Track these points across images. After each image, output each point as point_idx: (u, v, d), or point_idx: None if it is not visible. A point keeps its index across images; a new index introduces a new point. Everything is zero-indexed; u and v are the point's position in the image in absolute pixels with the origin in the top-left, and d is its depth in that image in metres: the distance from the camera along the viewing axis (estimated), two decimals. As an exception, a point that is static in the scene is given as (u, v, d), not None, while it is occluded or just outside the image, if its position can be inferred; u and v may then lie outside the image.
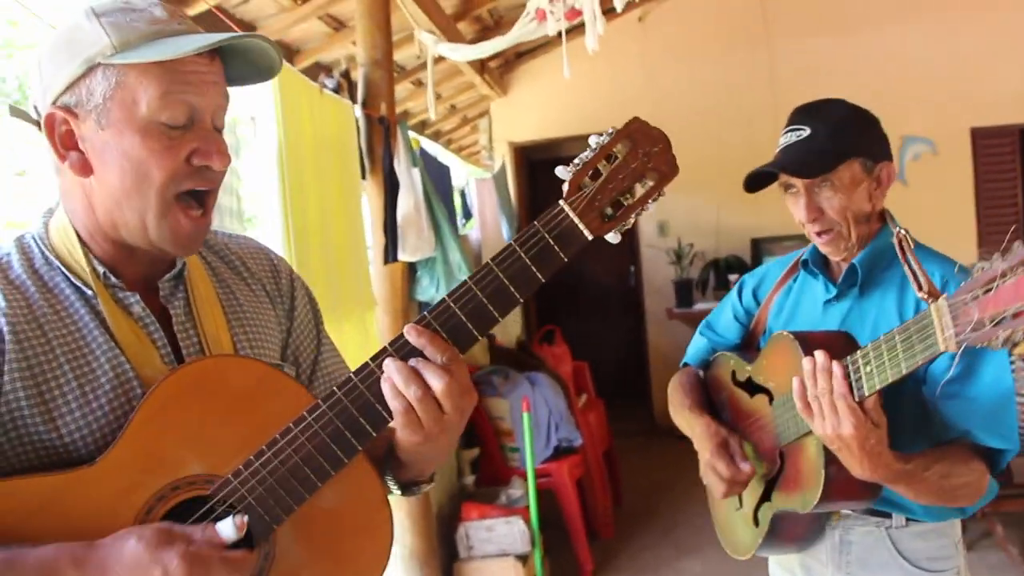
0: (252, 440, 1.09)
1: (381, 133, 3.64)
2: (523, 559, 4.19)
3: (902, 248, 1.36)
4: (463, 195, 6.45)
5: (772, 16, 6.93)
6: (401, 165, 3.82)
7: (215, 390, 1.11)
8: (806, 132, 1.74)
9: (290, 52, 4.33)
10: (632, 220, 1.18)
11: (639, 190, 1.18)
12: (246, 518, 1.03)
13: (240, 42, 1.10)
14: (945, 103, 6.59)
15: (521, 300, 1.14)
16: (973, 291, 1.17)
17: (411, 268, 4.27)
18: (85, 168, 1.10)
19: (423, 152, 4.53)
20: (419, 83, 5.76)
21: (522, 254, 1.13)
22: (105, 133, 1.08)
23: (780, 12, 6.94)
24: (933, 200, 6.43)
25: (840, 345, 1.54)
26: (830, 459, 1.54)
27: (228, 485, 1.08)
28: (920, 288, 1.34)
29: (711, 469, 1.79)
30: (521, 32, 3.51)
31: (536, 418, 4.61)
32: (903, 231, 1.34)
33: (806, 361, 1.47)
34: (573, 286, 8.90)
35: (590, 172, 1.16)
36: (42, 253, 1.14)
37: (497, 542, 4.21)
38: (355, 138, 3.58)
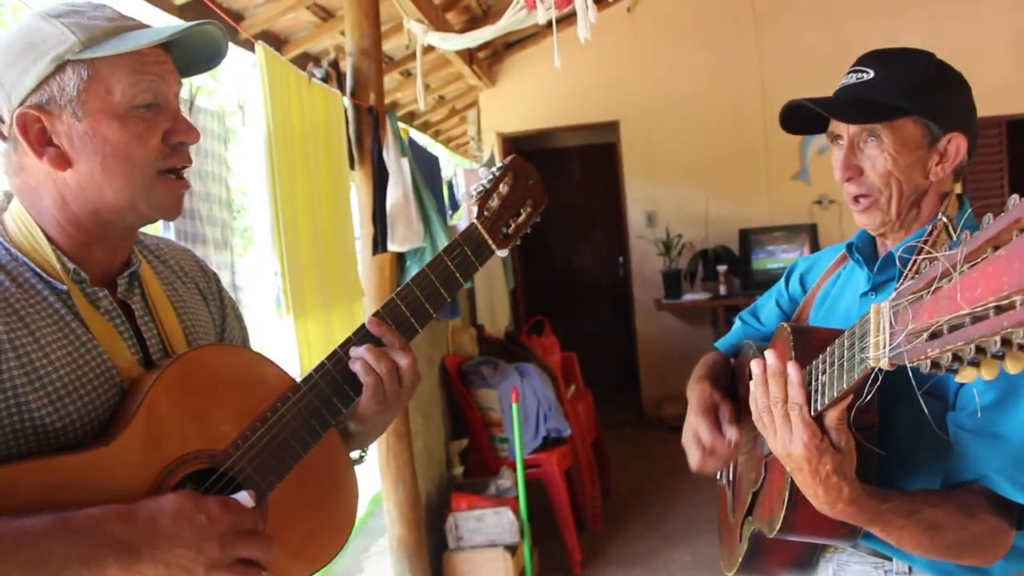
0: (243, 418, 1.24)
1: (370, 123, 3.63)
2: (512, 549, 4.19)
3: (928, 237, 1.10)
4: (451, 186, 6.44)
5: (760, 6, 6.94)
6: (390, 155, 3.81)
7: (212, 374, 1.24)
8: (868, 75, 1.49)
9: (278, 42, 4.31)
10: (519, 239, 1.51)
11: (523, 214, 1.50)
12: (252, 493, 1.17)
13: (189, 32, 1.19)
14: (933, 94, 6.58)
15: (448, 300, 1.42)
16: (917, 291, 0.91)
17: (400, 258, 4.27)
18: (63, 162, 1.16)
19: (412, 142, 4.52)
20: (408, 73, 5.75)
21: (449, 263, 1.42)
22: (82, 124, 1.15)
23: (768, 2, 6.96)
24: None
25: None
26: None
27: (230, 458, 1.21)
28: (900, 284, 1.03)
29: (692, 432, 1.62)
30: (511, 20, 3.50)
31: (525, 409, 4.62)
32: (945, 219, 1.10)
33: (754, 364, 1.26)
34: (562, 277, 8.92)
35: (489, 198, 1.46)
36: (5, 249, 1.18)
37: (486, 532, 4.22)
38: (344, 128, 3.57)
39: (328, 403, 1.32)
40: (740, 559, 1.60)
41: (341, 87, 3.63)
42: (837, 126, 1.52)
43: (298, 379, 1.33)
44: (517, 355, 5.32)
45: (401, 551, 3.92)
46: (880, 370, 1.00)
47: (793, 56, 6.74)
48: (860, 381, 1.07)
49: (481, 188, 1.48)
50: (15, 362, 1.09)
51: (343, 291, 3.51)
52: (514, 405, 4.25)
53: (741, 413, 1.73)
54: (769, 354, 1.24)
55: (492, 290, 6.40)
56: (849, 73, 1.53)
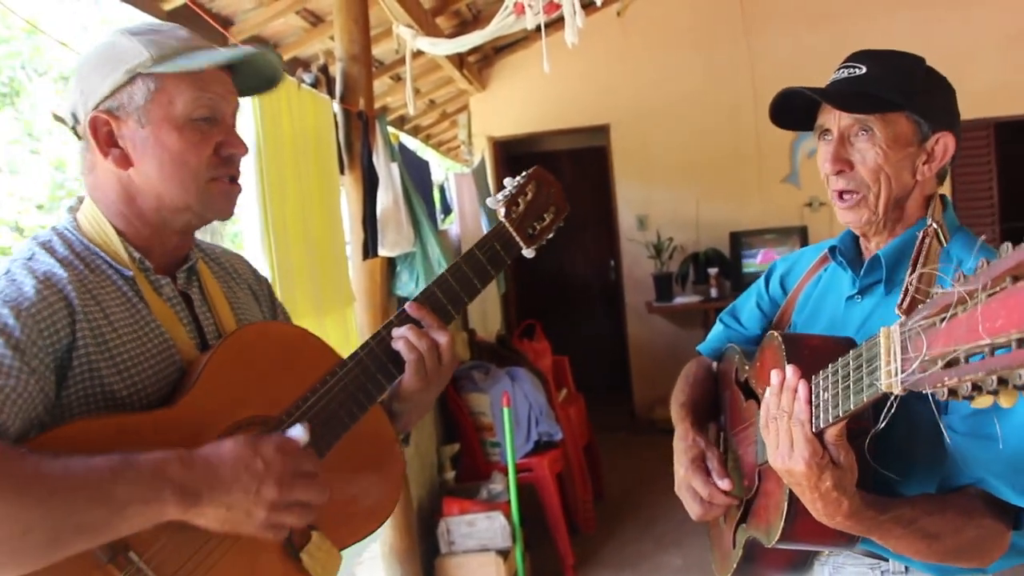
0: (294, 389, 1.35)
1: (360, 128, 3.62)
2: (504, 554, 4.19)
3: (920, 246, 1.09)
4: (442, 190, 6.44)
5: (750, 9, 6.95)
6: (380, 160, 3.80)
7: (265, 348, 1.36)
8: (861, 71, 1.49)
9: (267, 47, 4.30)
10: (545, 241, 1.64)
11: (547, 218, 1.64)
12: (307, 425, 1.27)
13: (250, 56, 1.34)
14: (921, 97, 6.58)
15: (480, 290, 1.55)
16: (930, 317, 0.90)
17: (390, 263, 4.26)
18: (125, 162, 1.30)
19: (402, 147, 4.51)
20: (398, 78, 5.74)
21: (480, 256, 1.55)
22: (145, 130, 1.28)
23: (758, 4, 6.97)
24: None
25: (838, 356, 1.19)
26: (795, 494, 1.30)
27: (283, 424, 1.31)
28: (900, 304, 1.04)
29: (687, 486, 1.62)
30: (500, 26, 3.49)
31: (516, 413, 4.61)
32: (935, 226, 1.10)
33: (774, 374, 1.26)
34: (553, 281, 8.91)
35: (515, 203, 1.60)
36: (78, 240, 1.31)
37: (478, 537, 4.22)
38: (333, 133, 3.56)
39: (373, 379, 1.43)
40: (735, 565, 1.60)
41: (331, 92, 3.62)
42: (827, 120, 1.51)
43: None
44: (508, 359, 5.32)
45: (393, 557, 3.91)
46: (895, 396, 1.00)
47: (783, 59, 6.75)
48: (869, 404, 1.07)
49: (508, 193, 1.61)
50: (89, 334, 1.20)
51: (334, 296, 3.50)
52: (505, 409, 4.25)
53: (725, 421, 1.74)
54: (790, 368, 1.24)
55: (484, 294, 6.37)
56: (840, 68, 1.53)
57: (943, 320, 0.87)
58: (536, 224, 1.62)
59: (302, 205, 3.19)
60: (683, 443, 1.66)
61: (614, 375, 8.13)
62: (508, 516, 4.22)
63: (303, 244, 3.17)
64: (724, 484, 1.56)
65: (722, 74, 7.06)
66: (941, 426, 1.28)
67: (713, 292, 6.84)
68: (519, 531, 4.22)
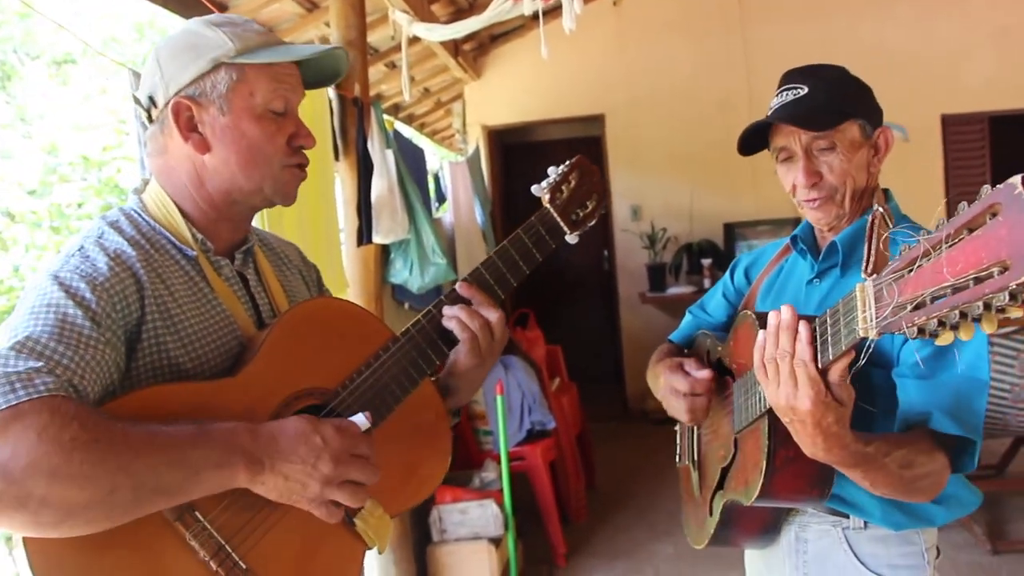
0: (349, 362, 1.42)
1: (355, 114, 3.61)
2: (496, 542, 4.20)
3: (872, 226, 1.18)
4: (437, 178, 6.42)
5: (747, 1, 6.94)
6: (375, 147, 3.79)
7: (323, 323, 1.42)
8: (804, 90, 1.65)
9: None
10: (587, 227, 1.68)
11: (589, 206, 1.69)
12: (368, 414, 1.34)
13: (326, 53, 1.43)
14: (917, 90, 6.61)
15: (527, 273, 1.60)
16: (898, 270, 1.04)
17: (384, 250, 4.25)
18: (204, 147, 1.36)
19: (397, 134, 4.50)
20: (393, 65, 5.72)
21: (526, 239, 1.60)
22: (226, 118, 1.35)
23: (754, -3, 6.97)
24: (903, 185, 6.42)
25: None
26: (774, 449, 1.43)
27: (338, 396, 1.38)
28: (866, 268, 1.14)
29: (669, 391, 1.73)
30: (497, 12, 3.48)
31: (509, 401, 4.62)
32: (881, 210, 1.19)
33: (771, 315, 1.32)
34: (547, 270, 8.89)
35: (559, 190, 1.65)
36: (144, 220, 1.37)
37: (470, 525, 4.22)
38: (328, 119, 3.55)
39: (424, 354, 1.49)
40: (712, 531, 1.73)
41: (326, 78, 3.60)
42: (787, 141, 1.67)
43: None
44: (502, 348, 5.32)
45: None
46: (871, 340, 1.11)
47: (778, 50, 6.74)
48: (850, 350, 1.18)
49: (552, 180, 1.67)
50: (156, 309, 1.28)
51: (328, 282, 3.45)
52: (498, 398, 4.25)
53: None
54: (785, 308, 1.30)
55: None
56: (782, 92, 1.69)
57: (911, 271, 1.01)
58: (579, 211, 1.68)
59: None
60: (663, 365, 1.80)
61: (607, 365, 8.14)
62: (500, 504, 4.23)
63: (297, 230, 3.16)
64: (702, 373, 1.70)
65: (717, 65, 7.05)
66: (893, 377, 1.54)
67: (707, 283, 6.84)
68: (511, 519, 4.23)
